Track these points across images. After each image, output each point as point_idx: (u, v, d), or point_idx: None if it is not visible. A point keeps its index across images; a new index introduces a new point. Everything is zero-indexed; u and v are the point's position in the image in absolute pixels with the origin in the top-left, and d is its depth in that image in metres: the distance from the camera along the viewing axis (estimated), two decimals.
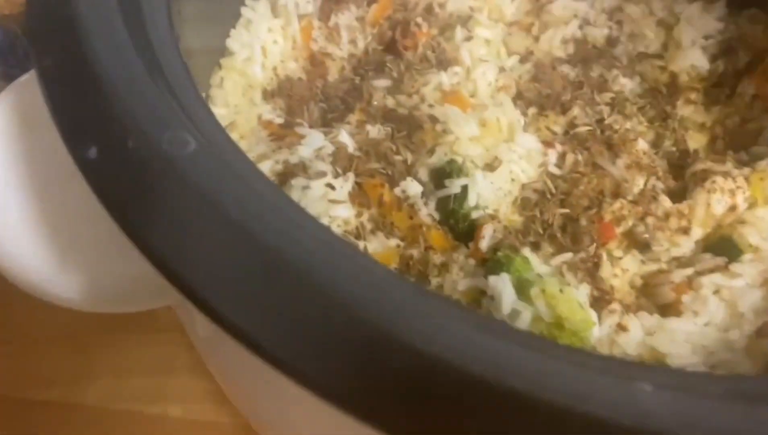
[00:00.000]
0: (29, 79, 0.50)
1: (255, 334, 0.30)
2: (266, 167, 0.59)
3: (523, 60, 0.74)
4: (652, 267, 0.60)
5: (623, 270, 0.59)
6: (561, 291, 0.52)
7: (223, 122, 0.64)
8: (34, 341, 0.83)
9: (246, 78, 0.68)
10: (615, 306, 0.54)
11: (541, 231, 0.61)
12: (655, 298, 0.58)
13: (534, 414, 0.26)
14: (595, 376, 0.28)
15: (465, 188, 0.60)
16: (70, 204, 0.44)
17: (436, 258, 0.58)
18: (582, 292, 0.54)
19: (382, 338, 0.28)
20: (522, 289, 0.53)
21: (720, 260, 0.58)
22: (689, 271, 0.58)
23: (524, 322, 0.51)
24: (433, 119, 0.64)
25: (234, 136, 0.64)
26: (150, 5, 0.44)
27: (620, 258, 0.60)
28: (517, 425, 0.26)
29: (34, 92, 0.40)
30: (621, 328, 0.53)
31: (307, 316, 0.29)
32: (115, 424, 0.80)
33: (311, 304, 0.29)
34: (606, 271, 0.58)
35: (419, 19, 0.72)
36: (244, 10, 0.71)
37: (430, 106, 0.66)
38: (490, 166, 0.63)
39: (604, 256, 0.59)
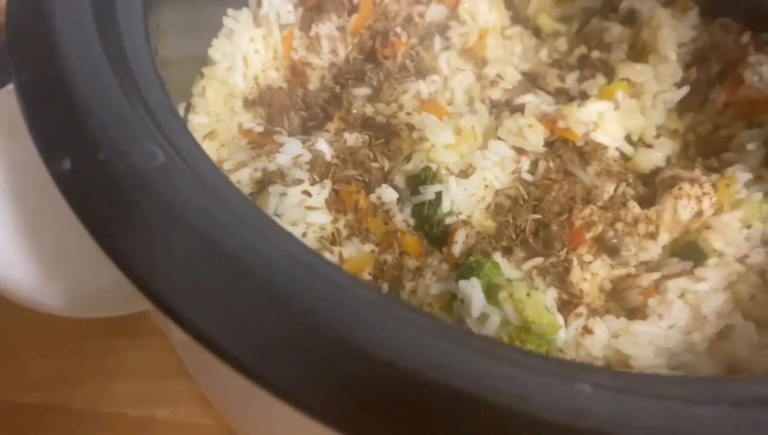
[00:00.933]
0: (11, 90, 0.52)
1: (217, 338, 0.31)
2: (245, 175, 0.61)
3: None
4: (621, 271, 0.61)
5: (593, 274, 0.61)
6: (528, 295, 0.54)
7: (204, 130, 0.66)
8: (22, 345, 0.85)
9: (227, 87, 0.70)
10: (581, 309, 0.56)
11: (514, 236, 0.63)
12: (624, 301, 0.60)
13: (475, 413, 0.28)
14: (536, 377, 0.30)
15: (439, 195, 0.62)
16: (51, 212, 0.45)
17: (411, 263, 0.60)
18: (549, 296, 0.56)
19: (337, 344, 0.30)
20: (491, 293, 0.54)
21: (686, 265, 0.60)
22: (656, 275, 0.59)
23: (493, 325, 0.53)
24: (410, 127, 0.66)
25: (214, 144, 0.66)
26: (127, 18, 0.46)
27: (590, 262, 0.61)
28: (459, 423, 0.28)
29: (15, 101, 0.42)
30: (586, 330, 0.55)
31: (267, 322, 0.31)
32: (102, 427, 0.82)
33: (271, 312, 0.31)
34: (576, 275, 0.60)
35: (398, 29, 0.74)
36: (226, 20, 0.73)
37: (408, 114, 0.68)
38: (465, 173, 0.64)
39: (575, 261, 0.60)
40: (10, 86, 0.52)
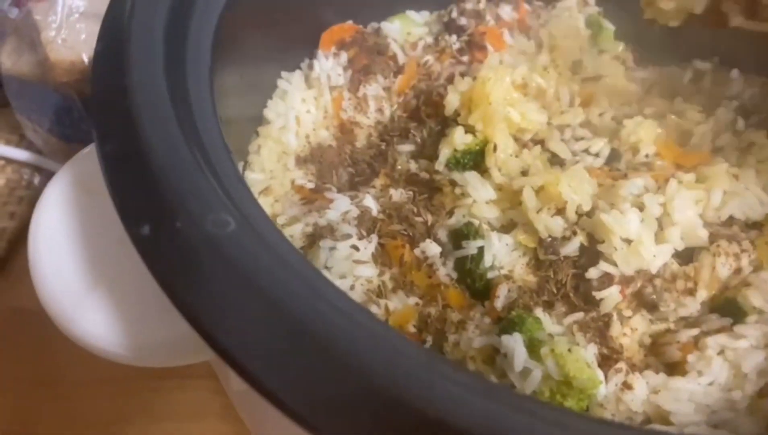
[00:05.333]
0: (90, 153, 0.57)
1: (280, 393, 0.34)
2: (297, 229, 0.65)
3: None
4: (660, 326, 0.62)
5: (632, 329, 0.62)
6: (569, 350, 0.55)
7: (260, 186, 0.70)
8: (76, 384, 0.89)
9: (281, 145, 0.74)
10: (621, 365, 0.57)
11: (554, 290, 0.64)
12: (663, 356, 0.61)
13: None
14: None
15: (481, 249, 0.64)
16: (122, 267, 0.49)
17: (454, 316, 0.62)
18: (590, 352, 0.57)
19: (392, 403, 0.32)
20: (533, 348, 0.56)
21: (725, 321, 0.61)
22: (695, 331, 0.60)
23: (535, 379, 0.55)
24: (452, 183, 0.69)
25: (269, 199, 0.70)
26: (196, 89, 0.50)
27: (629, 317, 0.62)
28: None
29: (94, 163, 0.46)
30: (626, 386, 0.56)
31: (327, 381, 0.34)
32: None
33: (331, 371, 0.34)
34: (616, 329, 0.61)
35: (441, 89, 0.78)
36: (280, 82, 0.78)
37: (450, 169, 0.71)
38: (506, 228, 0.67)
39: (614, 316, 0.62)
40: (86, 150, 0.57)
